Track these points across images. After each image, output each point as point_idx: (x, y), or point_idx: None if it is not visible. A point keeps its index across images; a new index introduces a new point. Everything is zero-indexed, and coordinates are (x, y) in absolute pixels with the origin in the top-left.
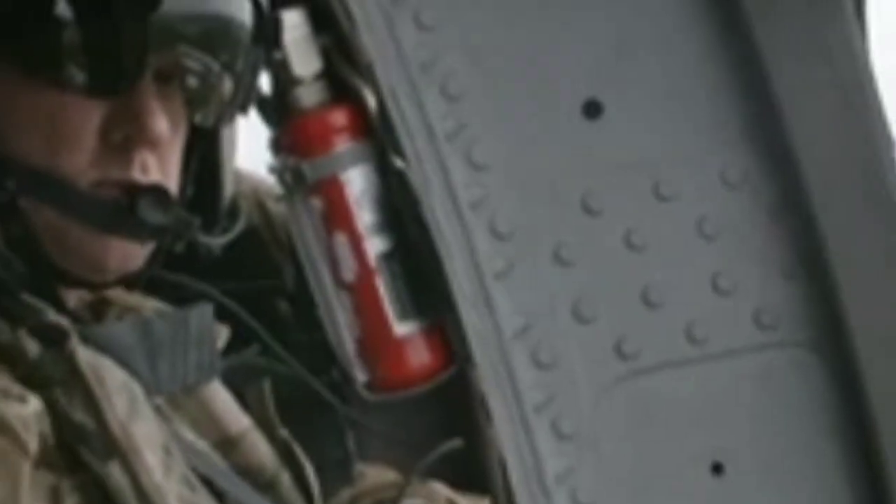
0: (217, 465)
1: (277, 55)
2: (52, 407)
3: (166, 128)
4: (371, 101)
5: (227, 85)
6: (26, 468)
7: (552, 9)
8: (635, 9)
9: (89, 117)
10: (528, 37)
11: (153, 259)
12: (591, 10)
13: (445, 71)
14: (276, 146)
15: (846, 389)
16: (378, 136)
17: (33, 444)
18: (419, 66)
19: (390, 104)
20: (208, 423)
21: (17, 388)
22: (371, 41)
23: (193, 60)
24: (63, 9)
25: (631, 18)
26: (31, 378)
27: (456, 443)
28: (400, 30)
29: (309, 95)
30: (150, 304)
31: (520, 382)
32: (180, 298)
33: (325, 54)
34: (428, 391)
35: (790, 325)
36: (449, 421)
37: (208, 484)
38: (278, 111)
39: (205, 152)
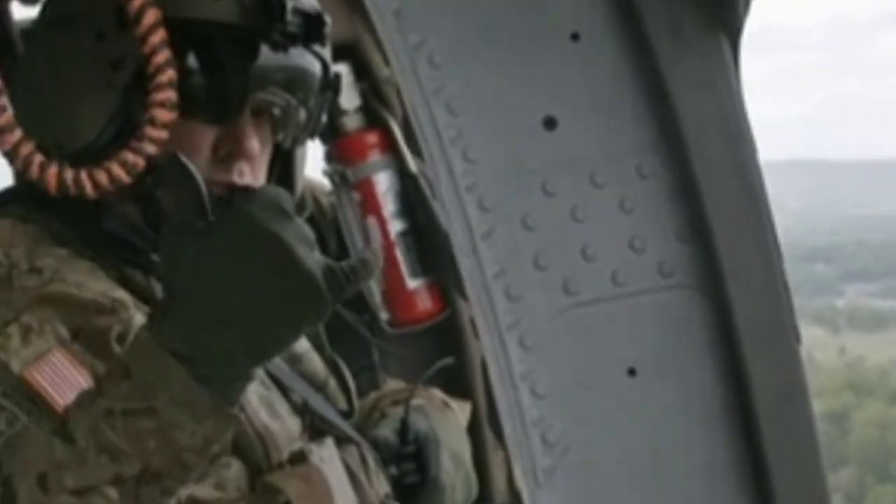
0: (286, 370)
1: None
2: None
3: (257, 147)
4: (394, 127)
5: (302, 116)
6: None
7: (525, 55)
8: (581, 58)
9: (205, 138)
10: (507, 72)
11: None
12: (550, 58)
13: (449, 95)
14: (328, 157)
15: (721, 319)
16: (399, 151)
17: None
18: (432, 91)
19: (412, 118)
20: None
21: (144, 308)
22: (400, 74)
23: (279, 98)
24: (192, 61)
25: (578, 64)
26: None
27: (448, 361)
28: (419, 67)
29: (351, 122)
30: None
31: (497, 309)
32: None
33: (363, 94)
34: (429, 327)
35: (683, 273)
36: (443, 348)
37: (278, 384)
38: (330, 133)
39: (284, 164)
